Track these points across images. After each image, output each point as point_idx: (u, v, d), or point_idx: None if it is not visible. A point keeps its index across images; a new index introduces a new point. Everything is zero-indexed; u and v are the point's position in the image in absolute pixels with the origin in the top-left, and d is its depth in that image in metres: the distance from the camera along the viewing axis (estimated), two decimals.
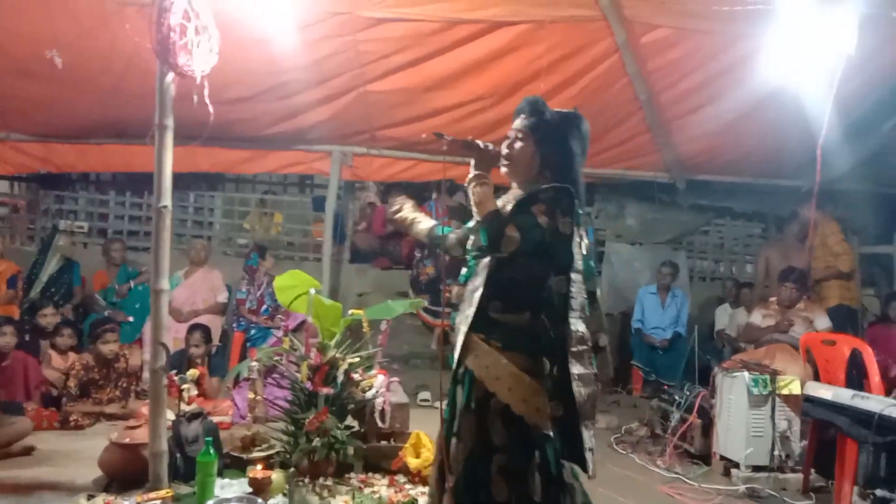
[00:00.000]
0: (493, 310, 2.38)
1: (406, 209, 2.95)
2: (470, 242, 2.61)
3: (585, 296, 2.42)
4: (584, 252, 2.45)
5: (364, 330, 4.41)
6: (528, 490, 2.31)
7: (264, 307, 6.28)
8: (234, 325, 6.30)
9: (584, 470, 2.39)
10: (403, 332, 7.13)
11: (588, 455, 2.36)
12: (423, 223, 2.88)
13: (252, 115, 6.01)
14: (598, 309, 2.48)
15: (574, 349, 2.35)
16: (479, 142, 2.49)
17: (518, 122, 2.56)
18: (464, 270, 2.58)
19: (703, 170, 6.98)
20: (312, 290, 4.19)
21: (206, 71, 3.71)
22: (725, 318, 7.12)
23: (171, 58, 3.48)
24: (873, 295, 7.74)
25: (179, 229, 7.64)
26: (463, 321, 2.43)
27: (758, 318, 5.77)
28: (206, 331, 5.65)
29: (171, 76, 3.62)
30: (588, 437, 2.35)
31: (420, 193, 8.06)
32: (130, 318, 6.20)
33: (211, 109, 3.72)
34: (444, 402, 2.53)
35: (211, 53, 3.70)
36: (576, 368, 2.34)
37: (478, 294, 2.39)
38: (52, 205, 7.55)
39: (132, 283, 6.49)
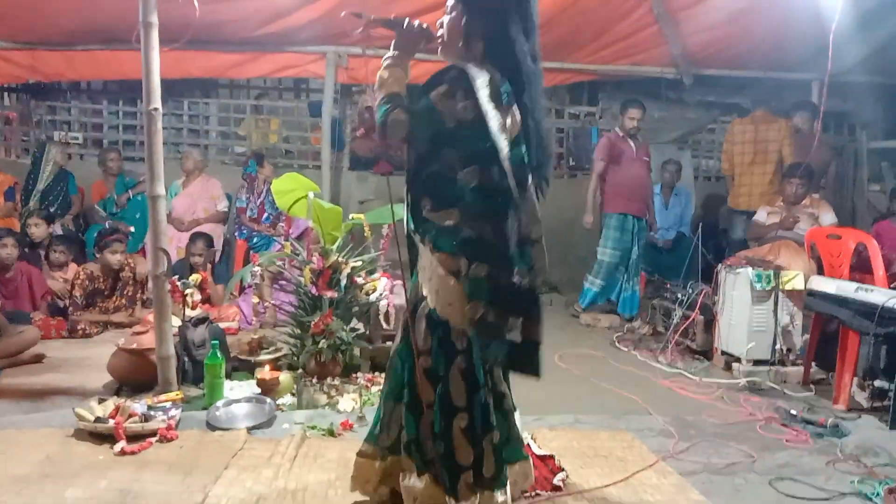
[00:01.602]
0: (424, 208, 2.21)
1: (390, 67, 2.29)
2: None
3: (520, 186, 2.16)
4: (511, 138, 2.15)
5: (365, 234, 4.38)
6: (450, 394, 2.20)
7: (265, 215, 6.24)
8: (237, 233, 6.29)
9: (535, 372, 2.23)
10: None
11: (499, 347, 2.18)
12: (385, 84, 2.26)
13: (241, 15, 5.78)
14: (530, 200, 2.21)
15: (497, 245, 2.14)
16: (402, 19, 2.25)
17: None
18: None
19: (711, 63, 6.77)
20: (311, 194, 4.13)
21: None
22: (729, 217, 7.05)
23: None
24: (879, 191, 7.66)
25: (175, 138, 7.51)
26: (405, 216, 2.30)
27: (762, 215, 5.72)
28: (207, 239, 5.64)
29: None
30: (509, 330, 2.16)
31: None
32: (131, 228, 6.17)
33: (196, 4, 3.56)
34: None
35: None
36: (496, 268, 2.14)
37: (407, 193, 2.26)
38: (44, 115, 7.39)
39: (130, 193, 6.43)
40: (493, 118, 2.09)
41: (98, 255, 5.27)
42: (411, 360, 2.27)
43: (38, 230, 5.75)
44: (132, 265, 5.36)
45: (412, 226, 2.27)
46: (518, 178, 2.15)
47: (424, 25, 2.27)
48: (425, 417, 2.24)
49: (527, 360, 2.23)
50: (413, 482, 2.27)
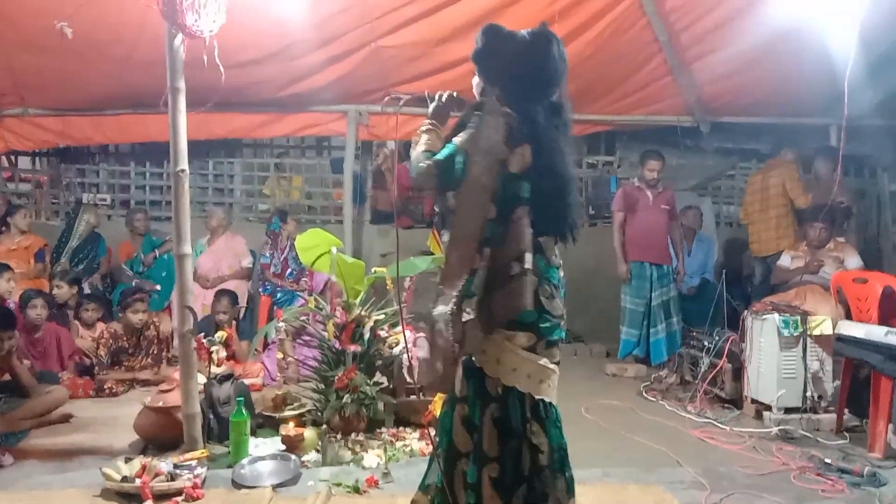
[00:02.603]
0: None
1: (430, 131, 2.44)
2: None
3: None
4: (515, 171, 2.24)
5: (388, 287, 4.41)
6: (482, 442, 2.22)
7: (289, 270, 6.30)
8: (261, 289, 6.35)
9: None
10: (429, 290, 7.12)
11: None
12: (422, 144, 2.38)
13: (264, 78, 5.95)
14: (517, 230, 2.24)
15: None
16: (436, 94, 2.46)
17: None
18: None
19: (727, 111, 6.81)
20: (334, 249, 4.18)
21: (215, 31, 3.66)
22: (752, 264, 7.01)
23: (178, 18, 3.43)
24: None
25: (200, 197, 7.67)
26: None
27: (787, 260, 5.68)
28: (232, 296, 5.70)
29: (180, 37, 3.58)
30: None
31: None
32: (158, 287, 6.26)
33: (222, 70, 3.68)
34: None
35: (219, 13, 3.64)
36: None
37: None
38: (74, 178, 7.60)
39: (157, 252, 6.55)
40: (500, 160, 2.20)
41: (121, 315, 5.34)
42: (451, 408, 2.34)
43: (61, 292, 5.86)
44: (156, 323, 5.42)
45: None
46: (502, 208, 2.21)
47: (455, 94, 2.45)
48: (459, 466, 2.26)
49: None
50: None
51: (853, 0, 4.59)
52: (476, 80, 2.44)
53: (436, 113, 2.44)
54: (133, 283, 6.03)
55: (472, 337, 2.21)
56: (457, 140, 2.27)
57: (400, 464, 3.60)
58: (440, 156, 2.23)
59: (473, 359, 2.25)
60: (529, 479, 2.24)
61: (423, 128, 2.39)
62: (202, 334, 3.86)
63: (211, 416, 3.90)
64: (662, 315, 5.93)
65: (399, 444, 3.87)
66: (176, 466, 3.32)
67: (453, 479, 2.29)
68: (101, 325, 5.58)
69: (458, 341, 2.18)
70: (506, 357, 2.21)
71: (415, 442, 3.90)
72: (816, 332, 4.42)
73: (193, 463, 3.39)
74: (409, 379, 4.27)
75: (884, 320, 4.23)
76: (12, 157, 7.57)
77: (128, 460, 3.37)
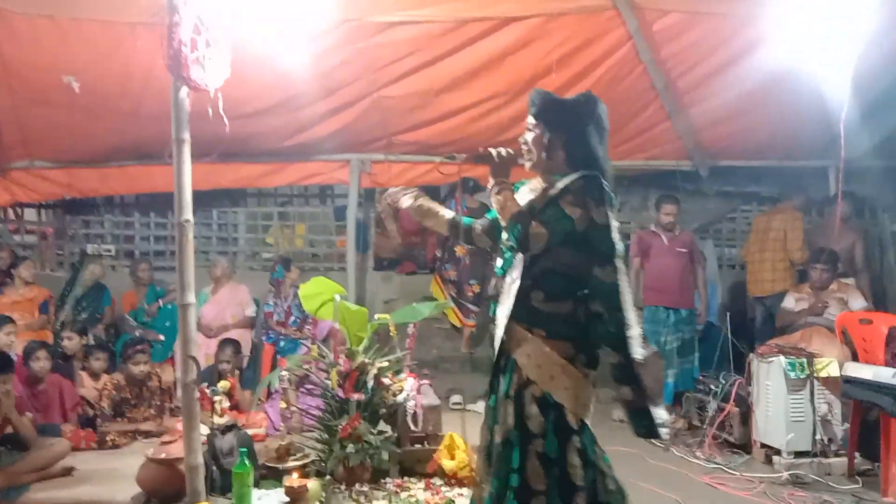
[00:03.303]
0: (535, 299, 2.43)
1: (423, 198, 2.86)
2: (503, 238, 2.61)
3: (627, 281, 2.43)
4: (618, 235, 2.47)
5: (391, 334, 4.40)
6: (566, 476, 2.34)
7: (292, 318, 6.29)
8: (264, 337, 6.32)
9: (659, 437, 2.44)
10: (432, 337, 7.12)
11: (662, 430, 2.38)
12: (443, 212, 2.83)
13: (269, 129, 6.04)
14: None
15: (629, 334, 2.36)
16: (491, 150, 2.55)
17: (528, 116, 2.61)
18: (499, 262, 2.60)
19: (726, 155, 6.86)
20: (338, 297, 4.19)
21: (220, 84, 3.73)
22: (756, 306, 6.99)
23: (183, 72, 3.49)
24: None
25: (205, 247, 7.70)
26: (503, 311, 2.48)
27: (791, 302, 5.66)
28: (236, 345, 5.68)
29: (185, 90, 3.65)
30: (660, 413, 2.37)
31: (437, 196, 8.07)
32: (161, 337, 6.26)
33: (226, 122, 3.74)
34: (488, 392, 2.62)
35: (223, 66, 3.72)
36: (637, 352, 2.35)
37: (516, 285, 2.44)
38: (78, 230, 7.66)
39: (161, 302, 6.55)
40: (614, 221, 2.41)
41: (123, 366, 5.32)
42: (521, 445, 2.38)
43: (71, 343, 5.84)
44: (159, 374, 5.39)
45: (518, 315, 2.45)
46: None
47: (510, 151, 2.57)
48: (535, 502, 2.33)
49: (650, 425, 2.39)
50: None
51: (846, 44, 4.68)
52: (532, 136, 2.55)
53: (497, 171, 2.54)
54: (136, 334, 6.02)
55: (560, 373, 2.42)
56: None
57: None
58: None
59: (552, 395, 2.37)
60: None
61: (496, 189, 2.50)
62: (205, 384, 3.84)
63: (214, 468, 3.86)
64: (676, 358, 5.86)
65: (404, 494, 3.82)
66: None
67: None
68: (104, 376, 5.55)
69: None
70: (584, 393, 2.43)
71: (420, 492, 3.85)
72: (823, 374, 4.39)
73: None
74: (413, 427, 4.23)
75: (890, 362, 4.21)
76: (18, 210, 7.62)
77: None
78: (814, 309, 5.37)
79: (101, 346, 5.97)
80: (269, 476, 4.07)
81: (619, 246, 2.43)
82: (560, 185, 2.45)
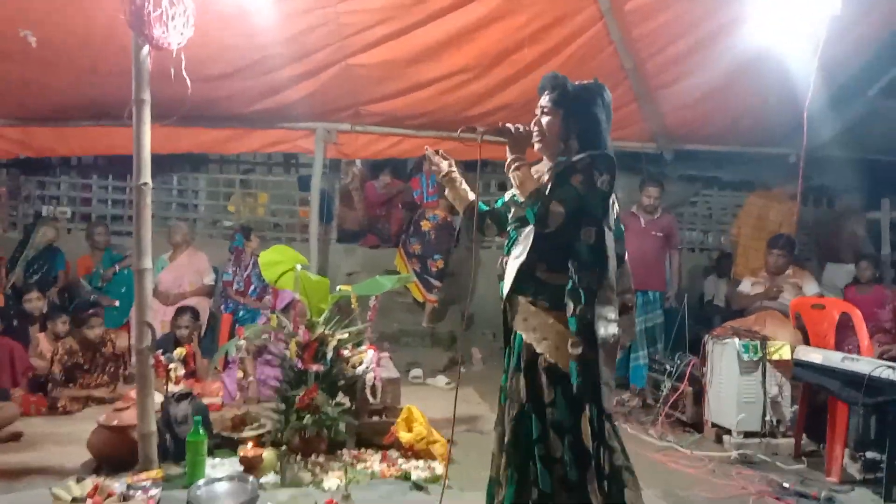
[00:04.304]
0: (539, 270, 2.49)
1: (456, 171, 2.90)
2: (510, 215, 2.68)
3: (615, 255, 2.49)
4: (615, 216, 2.56)
5: (352, 306, 4.37)
6: (579, 444, 2.40)
7: (252, 288, 6.22)
8: (223, 306, 6.24)
9: (600, 403, 2.40)
10: (394, 311, 7.11)
11: (604, 389, 2.37)
12: (468, 193, 2.87)
13: (233, 93, 5.90)
14: (627, 271, 2.62)
15: (602, 293, 2.38)
16: (510, 126, 2.58)
17: (543, 99, 2.63)
18: (506, 241, 2.67)
19: (691, 139, 6.94)
20: (298, 266, 4.14)
21: (183, 43, 3.63)
22: (713, 289, 7.13)
23: (145, 29, 3.40)
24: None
25: (164, 212, 7.56)
26: (507, 281, 2.55)
27: (746, 286, 5.77)
28: (193, 312, 5.59)
29: (146, 49, 3.55)
30: (606, 372, 2.36)
31: (404, 170, 8.02)
32: (116, 303, 6.13)
33: (189, 83, 3.65)
34: (505, 359, 2.67)
35: (187, 26, 3.62)
36: (602, 310, 2.36)
37: (518, 261, 2.51)
38: (33, 190, 7.45)
39: (117, 267, 6.40)
40: (613, 195, 2.52)
41: (76, 330, 5.20)
42: (538, 415, 2.45)
43: (33, 304, 5.69)
44: (113, 340, 5.29)
45: (522, 290, 2.51)
46: (618, 251, 2.54)
47: (524, 128, 2.60)
48: (556, 472, 2.41)
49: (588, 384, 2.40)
50: None
51: (813, 32, 4.73)
52: (546, 120, 2.59)
53: (515, 146, 2.57)
54: (91, 299, 5.88)
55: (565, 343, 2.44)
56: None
57: (361, 486, 3.55)
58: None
59: (560, 365, 2.42)
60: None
61: (515, 164, 2.54)
62: (160, 351, 3.77)
63: (167, 436, 3.81)
64: (646, 341, 5.92)
65: (360, 465, 3.82)
66: (129, 487, 3.23)
67: (554, 486, 2.42)
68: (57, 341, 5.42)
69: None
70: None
71: (376, 464, 3.85)
72: (776, 356, 4.48)
73: (148, 483, 3.30)
74: (371, 399, 4.22)
75: (840, 346, 4.32)
76: None
77: (79, 480, 3.27)
78: (769, 293, 5.47)
79: (62, 309, 5.82)
80: (225, 446, 4.02)
81: (612, 215, 2.51)
82: (569, 162, 2.49)
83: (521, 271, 2.50)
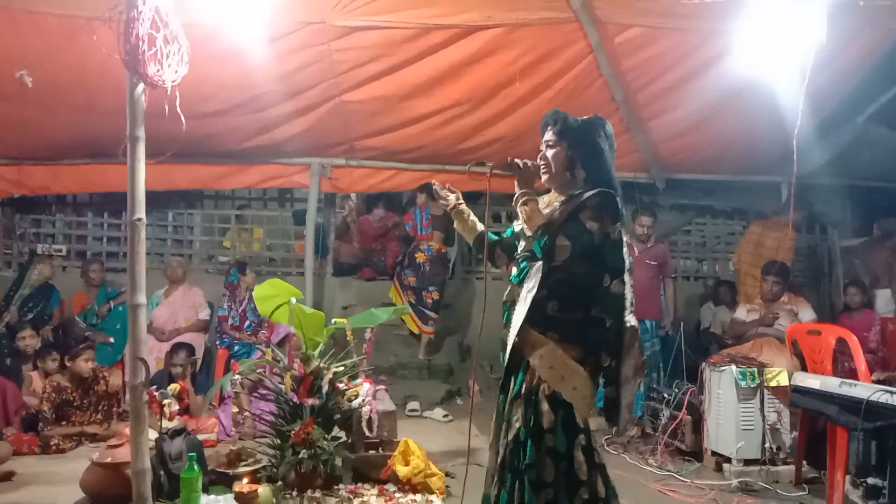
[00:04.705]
0: (550, 308, 2.58)
1: (464, 204, 3.01)
2: (520, 247, 2.78)
3: (632, 293, 2.63)
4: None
5: (348, 338, 4.36)
6: (572, 471, 2.50)
7: (247, 323, 6.20)
8: (218, 342, 6.22)
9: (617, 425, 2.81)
10: (390, 343, 7.09)
11: (620, 419, 2.67)
12: (476, 224, 2.98)
13: (228, 130, 5.96)
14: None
15: (627, 342, 2.58)
16: (517, 161, 2.68)
17: (547, 134, 2.76)
18: (514, 271, 2.76)
19: (682, 168, 7.00)
20: (293, 300, 4.13)
21: (177, 81, 3.66)
22: (710, 316, 7.12)
23: (140, 68, 3.42)
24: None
25: (159, 248, 7.58)
26: (518, 317, 2.62)
27: (742, 313, 5.78)
28: (189, 349, 5.58)
29: (141, 87, 3.58)
30: (625, 406, 2.60)
31: (399, 203, 8.06)
32: (111, 339, 6.10)
33: (183, 120, 3.68)
34: (499, 391, 2.79)
35: (181, 64, 3.65)
36: (629, 360, 2.58)
37: (531, 294, 2.59)
38: (28, 228, 7.45)
39: (112, 304, 6.39)
40: (624, 237, 2.62)
41: (68, 365, 5.17)
42: (534, 440, 2.53)
43: (26, 342, 5.66)
44: (106, 377, 5.26)
45: (534, 321, 2.59)
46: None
47: (532, 163, 2.72)
48: (544, 495, 2.49)
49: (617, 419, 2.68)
50: None
51: (800, 62, 4.80)
52: (552, 153, 2.71)
53: (524, 181, 2.68)
54: (85, 336, 5.86)
55: (570, 374, 2.59)
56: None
57: None
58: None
59: (562, 394, 2.52)
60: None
61: (523, 199, 2.64)
62: (154, 387, 3.74)
63: (162, 473, 3.76)
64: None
65: (357, 500, 3.78)
66: None
67: None
68: (46, 379, 5.38)
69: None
70: (590, 394, 2.60)
71: (373, 498, 3.81)
72: (773, 383, 4.47)
73: None
74: (367, 432, 4.19)
75: (837, 372, 4.31)
76: None
77: None
78: (764, 320, 5.48)
79: (55, 347, 5.79)
80: (220, 482, 3.98)
81: (628, 261, 2.62)
82: (579, 200, 2.59)
83: (533, 305, 2.58)
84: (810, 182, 6.62)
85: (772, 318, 5.45)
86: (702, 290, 7.80)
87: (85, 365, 5.09)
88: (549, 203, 2.74)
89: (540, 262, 2.60)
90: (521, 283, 2.68)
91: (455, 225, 3.03)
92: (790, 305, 5.54)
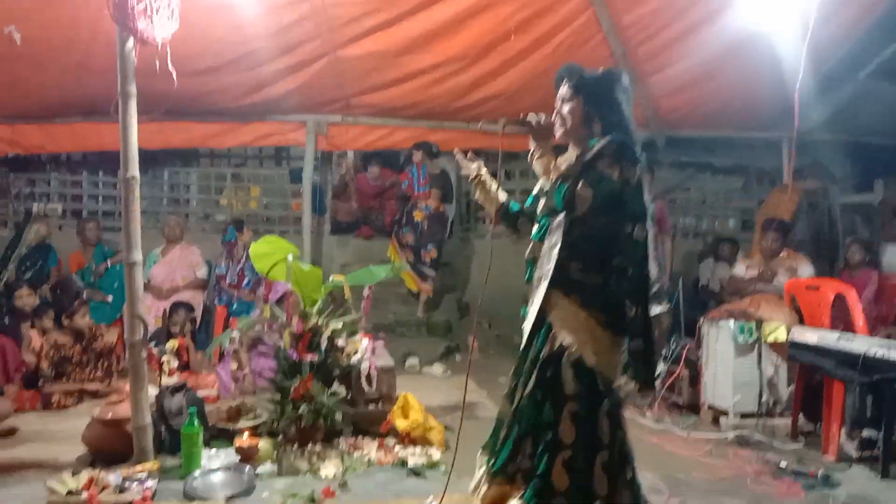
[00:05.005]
0: (574, 270, 2.54)
1: (485, 173, 2.96)
2: (540, 205, 2.72)
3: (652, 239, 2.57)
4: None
5: (346, 296, 4.35)
6: (594, 435, 2.48)
7: (246, 281, 6.20)
8: (216, 300, 6.23)
9: (653, 388, 2.65)
10: (389, 301, 7.10)
11: (656, 382, 2.60)
12: (499, 195, 2.93)
13: (222, 87, 5.88)
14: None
15: (653, 291, 2.55)
16: (531, 116, 2.65)
17: (562, 89, 2.70)
18: (535, 228, 2.71)
19: (682, 125, 6.93)
20: (290, 256, 4.12)
21: (168, 37, 3.60)
22: (709, 273, 7.13)
23: (129, 22, 3.37)
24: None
25: (156, 207, 7.55)
26: (543, 276, 2.57)
27: (741, 269, 5.77)
28: (188, 307, 5.59)
29: (131, 42, 3.52)
30: (659, 365, 2.48)
31: (396, 162, 8.01)
32: (109, 298, 6.10)
33: (175, 77, 3.62)
34: (521, 348, 2.71)
35: (172, 19, 3.59)
36: (655, 309, 2.62)
37: (556, 251, 2.54)
38: (23, 188, 7.40)
39: (109, 262, 6.37)
40: (645, 182, 2.52)
41: (65, 323, 5.17)
42: (554, 404, 2.51)
43: (29, 300, 5.65)
44: (103, 334, 5.27)
45: (557, 283, 2.54)
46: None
47: (545, 118, 2.69)
48: (561, 455, 2.47)
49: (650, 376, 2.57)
50: None
51: (802, 16, 4.72)
52: (568, 108, 2.65)
53: (538, 136, 2.65)
54: (83, 295, 5.85)
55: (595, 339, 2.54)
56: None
57: (357, 474, 3.55)
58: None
59: (585, 360, 2.48)
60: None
61: (538, 153, 2.63)
62: (153, 344, 3.75)
63: (162, 428, 3.79)
64: None
65: (356, 454, 3.81)
66: (125, 479, 3.23)
67: (551, 468, 2.49)
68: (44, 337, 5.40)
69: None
70: (614, 359, 2.53)
71: (373, 452, 3.84)
72: (771, 338, 4.48)
73: (143, 475, 3.30)
74: (367, 388, 4.21)
75: (835, 326, 4.32)
76: None
77: (74, 473, 3.25)
78: (763, 276, 5.47)
79: (52, 305, 5.79)
80: (220, 437, 4.01)
81: (650, 206, 2.56)
82: (594, 149, 2.53)
83: (556, 266, 2.54)
84: (811, 138, 6.57)
85: (770, 275, 5.45)
86: (701, 246, 7.78)
87: (81, 321, 5.09)
88: (568, 159, 2.69)
89: (560, 217, 2.55)
90: (541, 239, 2.64)
91: (476, 195, 2.98)
92: (789, 261, 5.53)
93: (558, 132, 2.69)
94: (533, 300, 2.63)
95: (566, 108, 2.65)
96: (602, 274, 2.52)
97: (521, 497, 2.54)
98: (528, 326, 2.65)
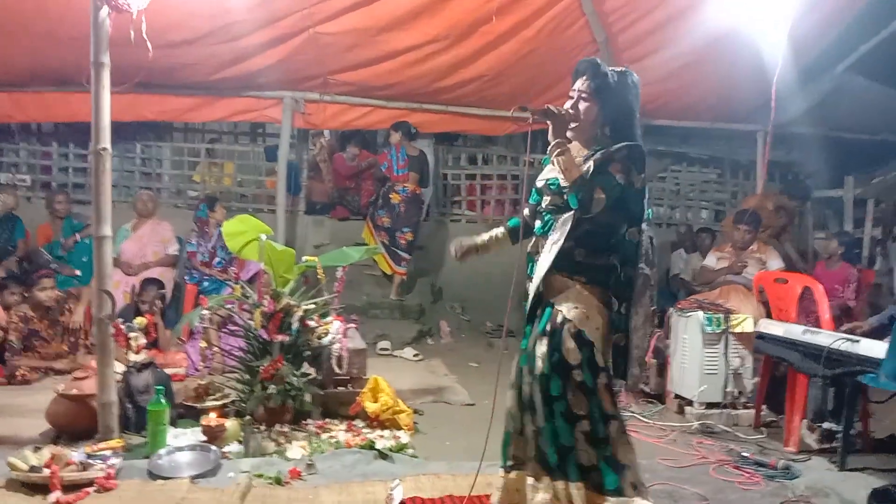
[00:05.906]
0: (578, 255, 2.63)
1: (470, 244, 3.04)
2: (544, 202, 2.76)
3: (649, 241, 2.70)
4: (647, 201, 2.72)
5: (319, 277, 4.33)
6: (600, 405, 2.58)
7: (217, 259, 6.12)
8: (187, 277, 6.15)
9: (626, 381, 2.77)
10: (362, 283, 7.07)
11: (630, 372, 2.70)
12: (498, 236, 3.03)
13: (197, 60, 5.78)
14: (654, 250, 2.75)
15: (639, 290, 2.65)
16: (553, 108, 2.63)
17: (581, 84, 2.69)
18: (538, 223, 2.76)
19: (660, 114, 6.96)
20: (263, 236, 4.08)
21: (144, 6, 3.52)
22: (681, 263, 7.19)
23: None
24: (824, 238, 7.87)
25: (127, 181, 7.42)
26: (543, 264, 2.65)
27: (712, 260, 5.82)
28: (158, 284, 5.51)
29: (105, 10, 3.44)
30: (634, 357, 2.67)
31: (374, 143, 7.95)
32: (77, 272, 5.99)
33: (150, 46, 3.55)
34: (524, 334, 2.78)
35: None
36: (640, 308, 2.65)
37: (557, 245, 2.61)
38: None
39: (78, 236, 6.24)
40: (647, 188, 2.66)
41: (28, 295, 5.09)
42: (563, 377, 2.58)
43: None
44: (70, 308, 5.20)
45: (560, 268, 2.62)
46: (649, 234, 2.73)
47: (566, 111, 2.66)
48: (580, 427, 2.58)
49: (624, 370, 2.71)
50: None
51: (782, 9, 4.75)
52: (584, 106, 2.65)
53: (557, 129, 2.62)
54: (51, 268, 5.75)
55: (595, 315, 2.64)
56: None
57: (325, 455, 3.54)
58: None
59: (586, 333, 2.57)
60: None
61: (558, 151, 2.60)
62: (121, 320, 3.71)
63: (128, 405, 3.75)
64: None
65: (325, 435, 3.81)
66: (89, 456, 3.19)
67: (576, 438, 2.59)
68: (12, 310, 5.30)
69: None
70: (610, 335, 2.66)
71: (341, 434, 3.84)
72: (738, 329, 4.54)
73: (108, 453, 3.27)
74: (337, 369, 4.20)
75: (801, 319, 4.38)
76: None
77: (37, 449, 3.20)
78: (733, 268, 5.53)
79: (16, 279, 5.68)
80: (187, 416, 3.97)
81: (649, 211, 2.70)
82: (606, 153, 2.58)
83: (560, 253, 2.60)
84: (786, 131, 6.63)
85: (740, 267, 5.50)
86: (674, 237, 7.84)
87: (43, 294, 5.00)
88: (574, 156, 2.70)
89: (566, 215, 2.61)
90: (545, 234, 2.70)
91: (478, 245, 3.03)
92: (759, 254, 5.59)
93: (571, 128, 2.69)
94: (532, 289, 2.72)
95: (582, 107, 2.67)
96: (603, 257, 2.64)
97: (553, 480, 2.62)
98: (528, 315, 2.75)
